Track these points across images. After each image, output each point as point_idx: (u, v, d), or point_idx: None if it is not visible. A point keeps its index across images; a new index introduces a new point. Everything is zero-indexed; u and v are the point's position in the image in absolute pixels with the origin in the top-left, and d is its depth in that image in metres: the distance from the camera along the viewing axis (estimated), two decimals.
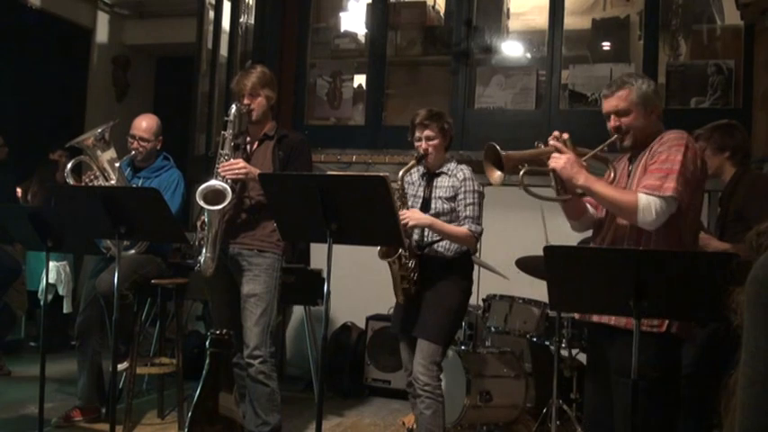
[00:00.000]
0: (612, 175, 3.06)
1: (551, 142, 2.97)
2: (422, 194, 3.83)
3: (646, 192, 2.78)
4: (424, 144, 3.76)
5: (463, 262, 3.82)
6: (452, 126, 3.87)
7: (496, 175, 2.97)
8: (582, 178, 2.88)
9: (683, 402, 3.27)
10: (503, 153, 2.94)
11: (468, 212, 3.72)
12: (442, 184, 3.79)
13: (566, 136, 2.98)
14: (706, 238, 3.59)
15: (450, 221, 3.74)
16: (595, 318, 2.97)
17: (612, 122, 2.99)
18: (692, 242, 2.94)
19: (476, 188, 3.76)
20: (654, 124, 2.97)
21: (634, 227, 2.87)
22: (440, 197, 3.77)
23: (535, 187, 3.00)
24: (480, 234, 3.76)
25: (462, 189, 3.74)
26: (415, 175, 3.88)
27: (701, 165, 2.88)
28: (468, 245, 3.78)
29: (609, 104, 3.00)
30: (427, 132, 3.76)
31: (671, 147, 2.84)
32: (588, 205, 3.14)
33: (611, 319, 2.89)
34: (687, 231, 2.89)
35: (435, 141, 3.76)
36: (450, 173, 3.81)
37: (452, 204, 3.75)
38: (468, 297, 3.91)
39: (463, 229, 3.70)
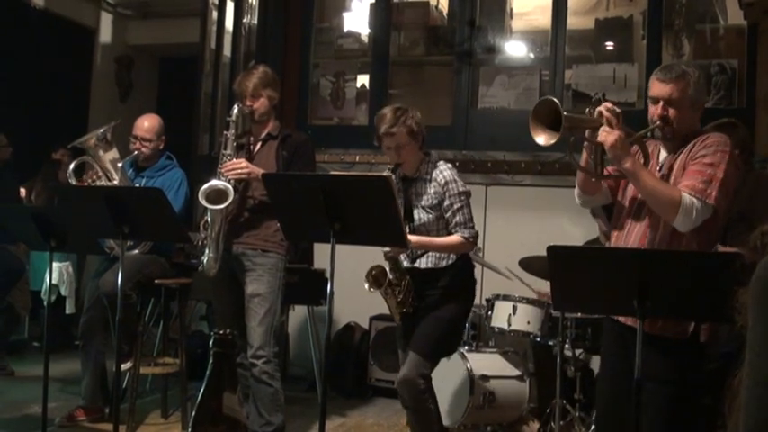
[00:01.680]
0: (643, 160, 2.93)
1: (605, 113, 2.81)
2: (401, 201, 3.59)
3: (689, 192, 2.72)
4: (395, 156, 3.57)
5: (458, 266, 3.70)
6: (420, 122, 3.60)
7: (545, 136, 2.79)
8: (630, 162, 2.78)
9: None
10: (564, 113, 2.73)
11: (457, 219, 3.57)
12: (424, 191, 3.62)
13: (618, 110, 2.85)
14: None
15: (437, 230, 3.62)
16: (622, 319, 2.91)
17: (660, 110, 2.86)
18: (715, 243, 2.91)
19: (460, 190, 3.59)
20: (695, 120, 2.92)
21: (669, 229, 2.80)
22: (423, 206, 3.61)
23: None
24: (476, 236, 3.64)
25: (447, 195, 3.57)
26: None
27: (738, 173, 2.88)
28: (464, 251, 3.67)
29: (662, 90, 2.86)
30: (395, 141, 3.54)
31: (716, 152, 2.77)
32: (605, 185, 3.06)
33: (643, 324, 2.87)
34: (715, 237, 2.88)
35: (407, 148, 3.57)
36: (429, 178, 3.62)
37: (437, 213, 3.60)
38: (469, 304, 3.84)
39: (455, 237, 3.57)
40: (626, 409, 2.73)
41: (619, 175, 2.94)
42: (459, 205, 3.58)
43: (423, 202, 3.62)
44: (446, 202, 3.58)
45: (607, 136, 2.78)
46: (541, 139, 2.80)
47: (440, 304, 3.66)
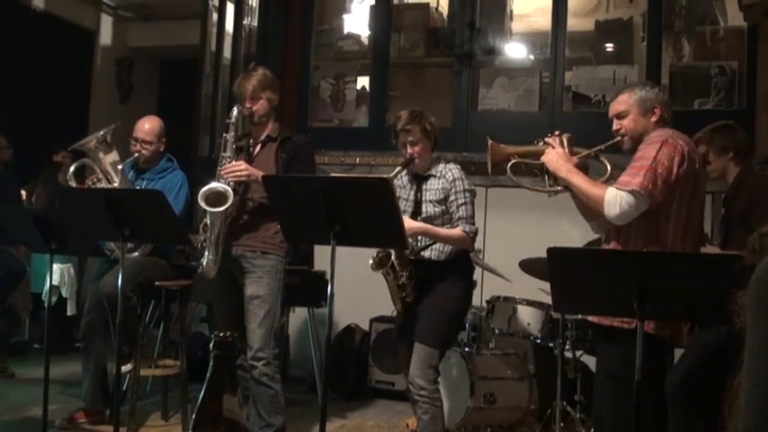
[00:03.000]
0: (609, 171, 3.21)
1: (547, 139, 3.19)
2: (413, 198, 3.81)
3: (616, 186, 2.90)
4: (409, 149, 3.74)
5: (460, 263, 3.80)
6: (435, 125, 3.83)
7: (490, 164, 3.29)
8: (564, 170, 3.07)
9: (689, 405, 3.28)
10: (490, 142, 3.23)
11: (461, 213, 3.70)
12: (432, 187, 3.77)
13: (566, 135, 3.17)
14: (709, 250, 3.58)
15: (442, 224, 3.73)
16: (593, 319, 3.05)
17: (614, 126, 3.13)
18: (682, 242, 2.94)
19: (466, 187, 3.74)
20: (652, 127, 3.05)
21: (617, 225, 2.98)
22: (430, 200, 3.75)
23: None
24: (475, 233, 3.75)
25: (453, 190, 3.72)
26: (405, 178, 3.86)
27: (680, 160, 2.90)
28: (463, 246, 3.76)
29: (611, 110, 3.17)
30: (411, 137, 3.73)
31: (649, 144, 2.94)
32: None
33: (596, 318, 3.00)
34: (671, 229, 2.92)
35: (420, 145, 3.74)
36: (438, 174, 3.78)
37: (443, 207, 3.73)
38: (468, 297, 3.90)
39: (457, 230, 3.68)
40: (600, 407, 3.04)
41: (564, 186, 3.16)
42: (463, 200, 3.72)
43: (430, 197, 3.75)
44: (452, 197, 3.72)
45: (545, 155, 3.15)
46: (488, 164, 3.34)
47: (441, 293, 3.73)
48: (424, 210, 3.75)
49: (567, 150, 3.13)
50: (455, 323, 3.88)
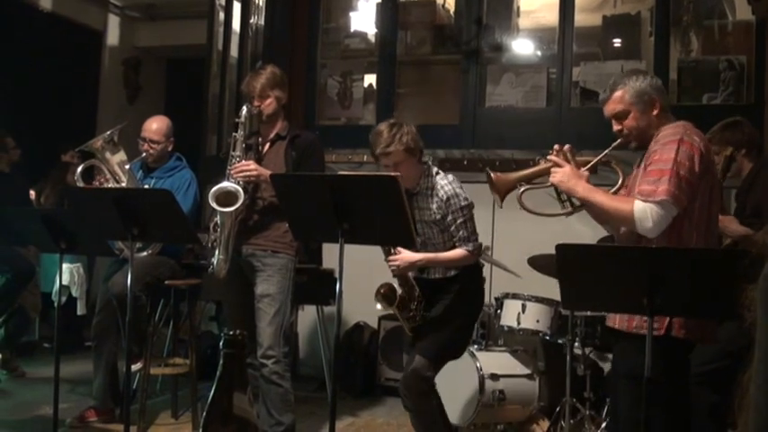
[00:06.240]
0: (621, 182, 3.01)
1: (549, 158, 2.97)
2: None
3: (641, 198, 2.73)
4: (393, 173, 3.49)
5: (467, 275, 3.72)
6: (416, 136, 3.57)
7: (498, 201, 3.09)
8: (580, 189, 2.88)
9: (699, 402, 3.26)
10: (493, 175, 3.01)
11: (461, 233, 3.59)
12: (425, 206, 3.61)
13: (566, 148, 2.98)
14: (726, 220, 3.52)
15: (444, 242, 3.64)
16: (609, 322, 2.96)
17: (615, 127, 2.97)
18: (702, 239, 2.82)
19: (462, 204, 3.58)
20: (656, 120, 2.89)
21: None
22: (426, 221, 3.63)
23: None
24: (479, 248, 3.67)
25: (450, 210, 3.57)
26: None
27: (699, 158, 2.76)
28: (468, 263, 3.68)
29: (607, 110, 2.99)
30: (393, 159, 3.53)
31: (664, 144, 2.77)
32: None
33: (615, 323, 2.89)
34: (694, 231, 2.79)
35: (404, 165, 3.53)
36: (430, 192, 3.62)
37: (441, 226, 3.61)
38: (478, 308, 3.88)
39: (459, 251, 3.60)
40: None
41: (580, 205, 2.99)
42: (461, 220, 3.60)
43: (426, 217, 3.64)
44: (449, 217, 3.59)
45: (554, 175, 2.93)
46: (499, 202, 3.09)
47: (448, 310, 3.68)
48: (420, 231, 3.62)
49: (573, 165, 2.94)
50: (458, 338, 3.78)
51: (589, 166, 2.99)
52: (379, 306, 3.64)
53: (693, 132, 2.83)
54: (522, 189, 3.03)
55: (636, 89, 2.89)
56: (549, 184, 2.97)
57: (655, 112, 2.90)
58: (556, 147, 2.98)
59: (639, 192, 2.75)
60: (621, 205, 2.80)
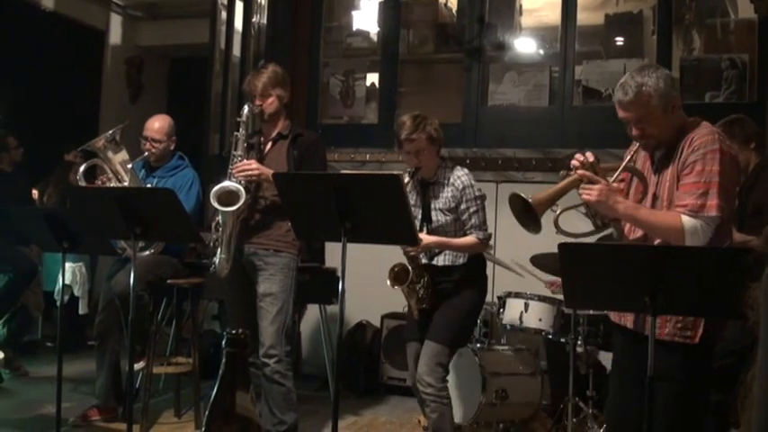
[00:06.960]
0: (642, 187, 2.87)
1: (578, 172, 2.77)
2: (420, 203, 3.79)
3: (689, 214, 2.63)
4: (414, 160, 3.66)
5: (474, 264, 3.82)
6: (439, 128, 3.72)
7: (535, 226, 2.79)
8: (621, 208, 2.73)
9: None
10: (530, 200, 2.75)
11: (473, 221, 3.70)
12: (441, 195, 3.74)
13: (591, 158, 2.79)
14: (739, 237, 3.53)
15: (454, 231, 3.74)
16: (629, 325, 2.91)
17: (635, 131, 2.79)
18: (724, 237, 2.78)
19: (476, 194, 3.72)
20: (675, 119, 2.78)
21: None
22: (440, 209, 3.74)
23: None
24: (489, 238, 3.77)
25: (464, 198, 3.69)
26: (410, 184, 3.76)
27: (736, 165, 2.74)
28: (478, 251, 3.81)
29: (626, 114, 2.78)
30: (416, 146, 3.65)
31: (705, 154, 2.65)
32: None
33: (646, 329, 2.83)
34: (723, 234, 2.75)
35: (426, 152, 3.67)
36: (447, 182, 3.74)
37: (455, 215, 3.72)
38: (482, 297, 3.92)
39: (470, 238, 3.70)
40: (627, 407, 2.87)
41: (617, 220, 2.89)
42: (474, 208, 3.70)
43: (440, 205, 3.73)
44: (463, 206, 3.70)
45: (589, 195, 2.73)
46: (533, 231, 2.80)
47: (455, 294, 3.76)
48: (434, 218, 3.75)
49: (603, 179, 2.74)
50: (466, 323, 3.88)
51: (616, 176, 2.81)
52: (389, 283, 3.69)
53: (724, 137, 2.76)
54: (559, 211, 2.84)
55: (661, 92, 2.72)
56: (582, 202, 2.79)
57: (674, 112, 2.78)
58: (579, 157, 2.80)
59: (687, 206, 2.65)
60: (669, 221, 2.68)
